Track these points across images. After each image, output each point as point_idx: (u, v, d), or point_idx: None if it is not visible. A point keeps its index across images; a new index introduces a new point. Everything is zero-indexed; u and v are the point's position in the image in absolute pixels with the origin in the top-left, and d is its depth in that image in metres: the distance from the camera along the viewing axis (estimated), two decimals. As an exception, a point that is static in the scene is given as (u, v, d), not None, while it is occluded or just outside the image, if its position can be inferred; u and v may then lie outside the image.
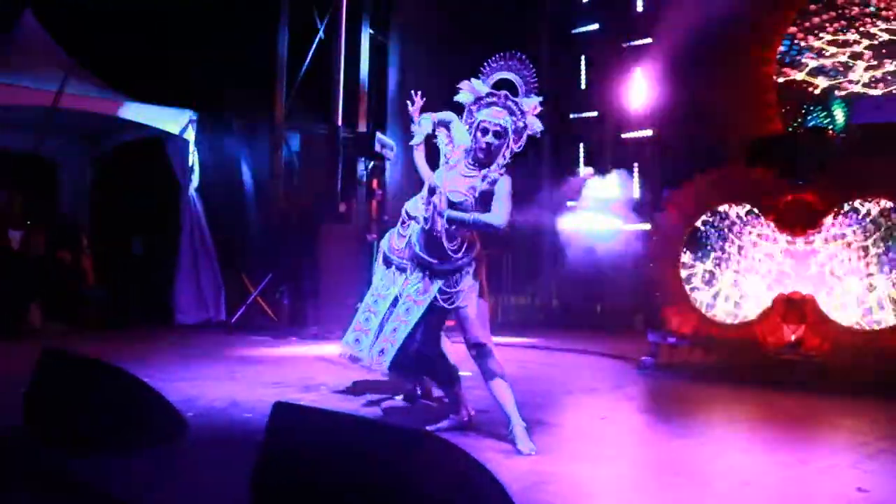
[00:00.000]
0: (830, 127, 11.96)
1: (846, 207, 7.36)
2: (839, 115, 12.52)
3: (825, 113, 12.57)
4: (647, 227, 11.76)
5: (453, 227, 4.81)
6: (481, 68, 4.95)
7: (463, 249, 4.90)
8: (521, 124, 4.82)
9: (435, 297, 4.92)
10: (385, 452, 2.77)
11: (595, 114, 14.26)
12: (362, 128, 12.66)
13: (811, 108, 12.68)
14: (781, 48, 12.94)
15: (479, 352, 4.88)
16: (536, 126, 4.81)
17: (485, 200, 4.81)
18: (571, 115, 14.59)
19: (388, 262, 5.94)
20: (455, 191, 4.82)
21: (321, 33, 12.81)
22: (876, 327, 7.17)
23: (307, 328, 11.07)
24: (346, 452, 2.84)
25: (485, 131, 4.81)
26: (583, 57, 14.65)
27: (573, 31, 14.76)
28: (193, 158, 11.55)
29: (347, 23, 12.42)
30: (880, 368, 7.04)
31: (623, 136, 13.91)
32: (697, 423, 5.89)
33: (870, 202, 7.27)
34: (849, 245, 7.34)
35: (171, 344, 9.54)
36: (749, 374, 7.65)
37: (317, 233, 11.73)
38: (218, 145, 11.97)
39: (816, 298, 7.41)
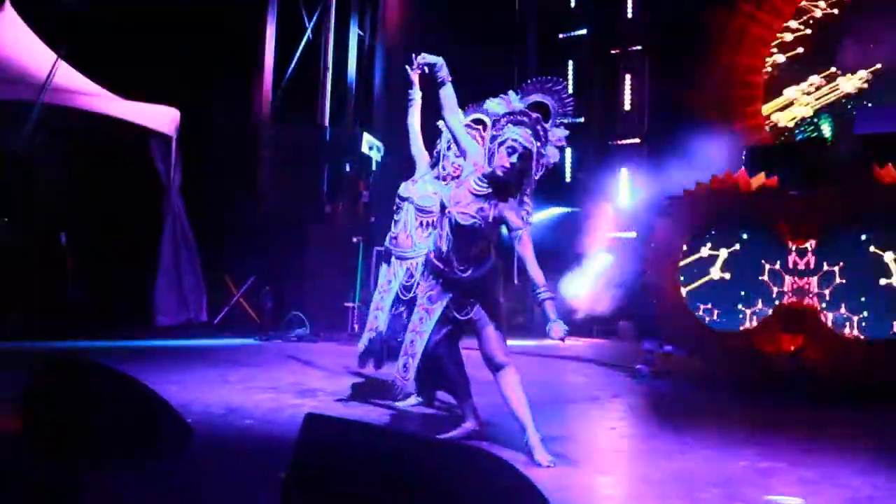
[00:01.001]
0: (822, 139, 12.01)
1: (851, 216, 7.33)
2: (826, 128, 12.56)
3: (812, 127, 12.61)
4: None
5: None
6: (523, 84, 4.74)
7: (478, 261, 4.70)
8: (542, 151, 4.57)
9: (447, 307, 4.73)
10: (431, 469, 2.62)
11: (581, 119, 14.18)
12: (349, 128, 12.51)
13: (798, 121, 12.72)
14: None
15: (495, 366, 4.75)
16: (553, 157, 4.59)
17: (496, 223, 4.62)
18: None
19: (388, 255, 5.88)
20: (464, 213, 4.59)
21: (309, 32, 12.63)
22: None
23: (292, 331, 10.88)
24: (388, 469, 2.68)
25: (512, 150, 4.51)
26: (570, 62, 14.60)
27: (561, 36, 14.72)
28: (177, 157, 11.32)
29: (336, 22, 12.27)
30: (880, 380, 7.01)
31: (610, 142, 13.88)
32: (710, 433, 5.77)
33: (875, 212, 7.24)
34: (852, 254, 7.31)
35: (155, 345, 9.33)
36: (747, 384, 7.58)
37: (302, 234, 11.57)
38: (204, 144, 11.69)
39: (817, 308, 7.36)
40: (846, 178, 7.44)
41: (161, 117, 11.17)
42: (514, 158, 4.48)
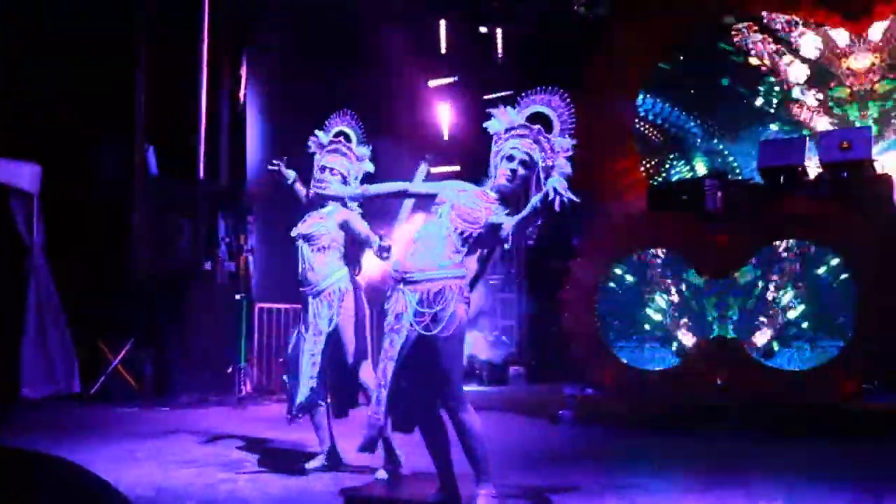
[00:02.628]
0: (692, 175, 12.24)
1: (766, 248, 7.42)
2: (700, 166, 12.86)
3: (688, 166, 12.87)
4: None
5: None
6: (518, 98, 4.57)
7: (457, 260, 4.37)
8: (549, 163, 4.38)
9: (411, 322, 4.30)
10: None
11: (458, 168, 14.05)
12: (226, 180, 11.96)
13: (672, 159, 12.98)
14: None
15: (452, 404, 4.33)
16: (566, 169, 4.34)
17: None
18: (431, 170, 14.34)
19: None
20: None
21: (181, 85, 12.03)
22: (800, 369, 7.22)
23: (177, 396, 10.18)
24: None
25: (511, 158, 4.41)
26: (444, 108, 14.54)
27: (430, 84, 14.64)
28: (39, 215, 10.47)
29: (208, 74, 11.75)
30: (807, 411, 7.06)
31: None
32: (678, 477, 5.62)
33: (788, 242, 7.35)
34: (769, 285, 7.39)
35: (33, 421, 8.50)
36: (677, 420, 7.50)
37: (181, 293, 10.91)
38: (70, 200, 10.86)
39: (741, 341, 7.39)
40: (764, 209, 7.52)
41: (21, 173, 10.32)
42: (514, 164, 4.38)
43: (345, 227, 5.70)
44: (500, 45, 14.34)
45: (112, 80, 11.25)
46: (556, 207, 3.94)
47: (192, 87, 11.76)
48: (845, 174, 7.67)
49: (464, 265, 4.40)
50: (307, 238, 5.72)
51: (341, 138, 5.80)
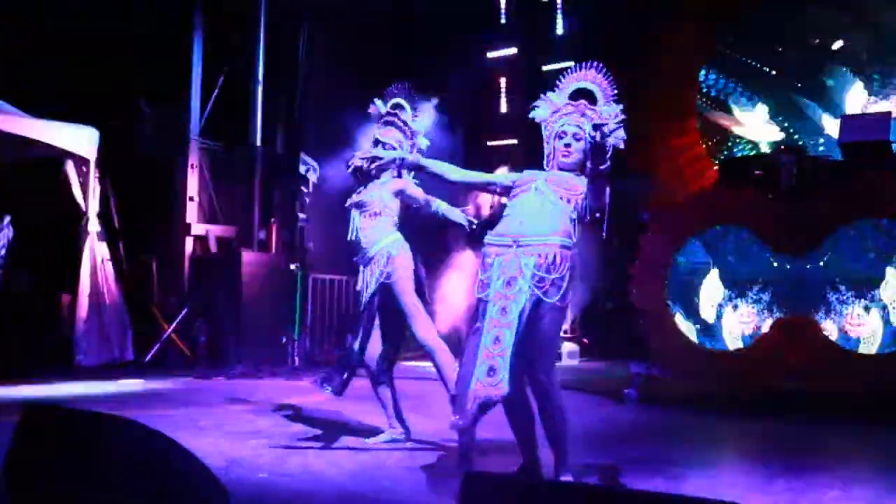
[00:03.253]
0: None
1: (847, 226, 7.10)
2: (764, 144, 12.50)
3: (750, 144, 12.51)
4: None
5: None
6: (557, 81, 4.53)
7: (569, 229, 4.26)
8: (603, 133, 4.18)
9: (530, 286, 4.10)
10: None
11: (515, 141, 13.80)
12: (282, 148, 11.78)
13: (736, 138, 12.63)
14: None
15: (544, 379, 4.17)
16: (620, 135, 4.23)
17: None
18: (489, 143, 14.12)
19: None
20: None
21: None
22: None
23: (232, 367, 10.07)
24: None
25: (562, 135, 4.38)
26: (503, 81, 14.26)
27: (489, 55, 14.35)
28: (96, 181, 10.40)
29: (265, 42, 11.57)
30: (884, 395, 6.78)
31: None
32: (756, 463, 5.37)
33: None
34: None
35: (91, 388, 8.44)
36: (746, 404, 7.26)
37: (236, 262, 10.79)
38: (126, 167, 10.77)
39: (819, 323, 7.10)
40: (844, 184, 7.19)
41: (78, 137, 10.24)
42: (567, 140, 4.36)
43: (400, 195, 5.53)
44: (560, 16, 13.97)
45: (168, 43, 11.12)
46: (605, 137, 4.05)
47: (249, 52, 11.57)
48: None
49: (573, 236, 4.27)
50: (359, 205, 5.57)
51: (397, 111, 5.63)
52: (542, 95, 4.54)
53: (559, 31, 13.91)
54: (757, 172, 7.91)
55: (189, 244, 11.25)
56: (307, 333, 11.33)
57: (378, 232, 5.48)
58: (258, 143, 11.38)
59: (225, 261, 10.96)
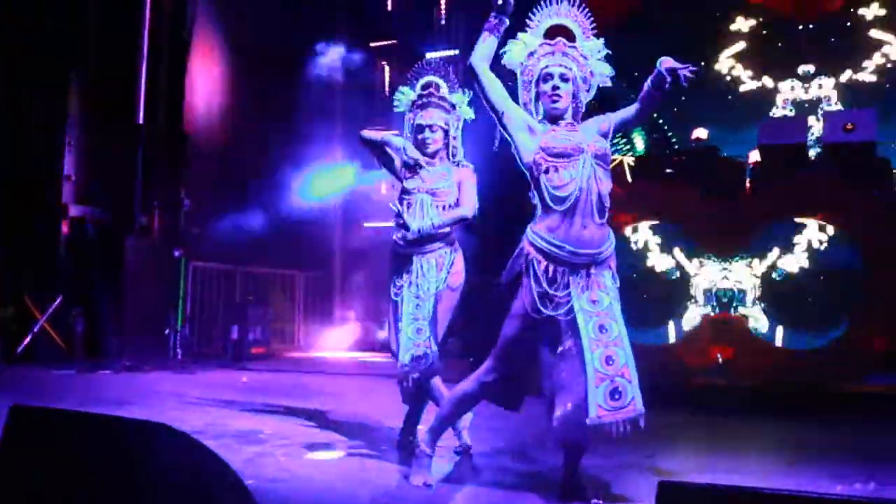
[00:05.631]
0: (631, 154, 12.06)
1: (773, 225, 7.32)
2: (639, 141, 12.78)
3: (624, 139, 12.74)
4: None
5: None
6: (527, 20, 4.08)
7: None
8: (587, 71, 4.00)
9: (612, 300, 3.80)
10: None
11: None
12: (166, 127, 11.08)
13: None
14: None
15: None
16: (606, 71, 4.01)
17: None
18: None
19: None
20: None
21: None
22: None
23: (117, 360, 9.39)
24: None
25: (548, 77, 3.93)
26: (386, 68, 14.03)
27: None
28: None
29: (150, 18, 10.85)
30: (810, 390, 7.01)
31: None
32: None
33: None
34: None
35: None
36: (670, 398, 7.34)
37: (116, 248, 10.10)
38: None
39: (745, 319, 7.27)
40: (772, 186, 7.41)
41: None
42: (555, 81, 3.91)
43: (459, 187, 5.04)
44: (443, 5, 13.87)
45: (48, 18, 10.23)
46: (683, 82, 3.72)
47: (133, 25, 10.81)
48: (847, 155, 7.62)
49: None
50: (433, 193, 5.00)
51: (431, 90, 5.10)
52: (512, 40, 4.04)
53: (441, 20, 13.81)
54: (668, 171, 8.02)
55: (65, 227, 10.40)
56: (189, 324, 10.76)
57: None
58: (141, 120, 10.65)
59: (104, 246, 10.22)
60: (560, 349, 3.75)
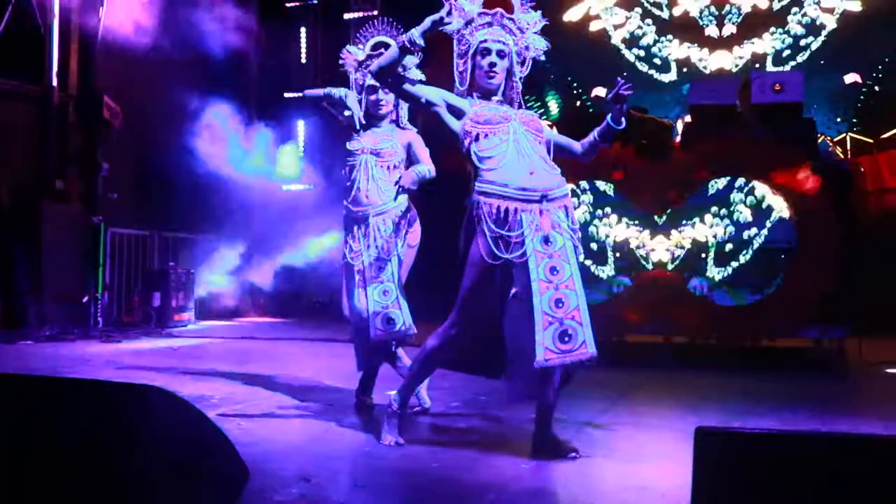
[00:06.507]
0: (546, 117, 12.10)
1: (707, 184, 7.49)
2: (553, 105, 12.78)
3: (539, 103, 12.72)
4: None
5: None
6: None
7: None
8: (522, 45, 4.02)
9: (572, 240, 3.86)
10: None
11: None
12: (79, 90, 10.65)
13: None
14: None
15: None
16: (540, 45, 4.04)
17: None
18: (287, 94, 13.53)
19: None
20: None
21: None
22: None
23: (35, 329, 9.09)
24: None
25: (485, 52, 3.94)
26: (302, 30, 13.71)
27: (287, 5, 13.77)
28: None
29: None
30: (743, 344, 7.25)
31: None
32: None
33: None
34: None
35: None
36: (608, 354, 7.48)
37: (33, 214, 9.74)
38: None
39: (681, 276, 7.44)
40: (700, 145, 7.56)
41: None
42: (492, 58, 3.92)
43: (408, 149, 5.04)
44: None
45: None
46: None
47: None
48: (775, 116, 7.82)
49: None
50: (377, 153, 4.99)
51: (381, 50, 4.95)
52: (451, 2, 3.92)
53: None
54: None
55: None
56: (109, 292, 10.47)
57: (392, 189, 4.77)
58: (54, 83, 10.21)
59: (19, 212, 9.82)
60: (513, 292, 3.79)
